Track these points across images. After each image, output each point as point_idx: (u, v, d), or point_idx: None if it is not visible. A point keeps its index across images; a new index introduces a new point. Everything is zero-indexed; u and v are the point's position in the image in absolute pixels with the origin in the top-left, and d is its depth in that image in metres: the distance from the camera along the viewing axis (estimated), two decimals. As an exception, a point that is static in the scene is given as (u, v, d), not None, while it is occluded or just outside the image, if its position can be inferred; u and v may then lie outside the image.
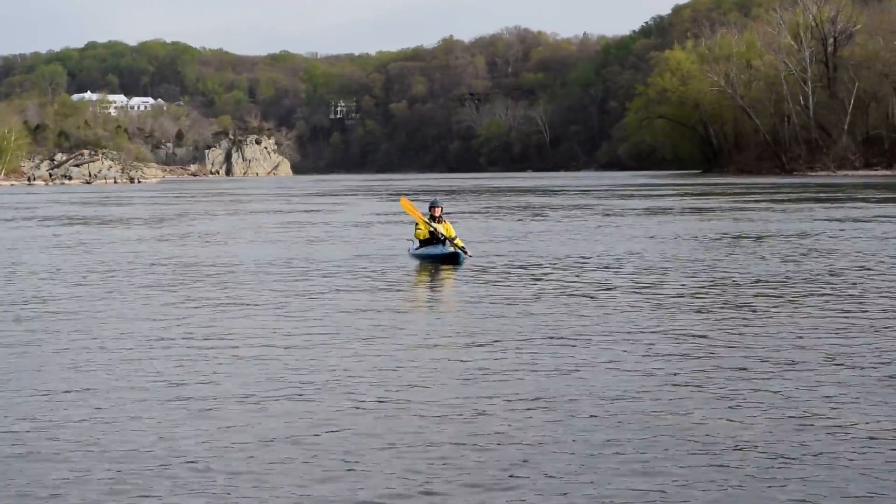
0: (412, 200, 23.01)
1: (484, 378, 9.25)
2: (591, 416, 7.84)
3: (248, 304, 14.45)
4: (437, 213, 20.16)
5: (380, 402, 8.43)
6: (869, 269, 17.55)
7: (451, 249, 19.47)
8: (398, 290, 16.17)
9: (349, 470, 6.69)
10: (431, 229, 19.93)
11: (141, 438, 7.42)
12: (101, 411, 8.27)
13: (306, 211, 45.51)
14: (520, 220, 35.34)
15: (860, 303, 13.61)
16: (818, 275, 16.88)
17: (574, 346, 10.76)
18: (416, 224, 20.47)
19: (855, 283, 15.69)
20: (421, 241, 20.23)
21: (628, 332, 11.49)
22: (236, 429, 7.63)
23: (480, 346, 10.85)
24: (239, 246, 25.45)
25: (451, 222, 21.35)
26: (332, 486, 6.39)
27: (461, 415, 7.98)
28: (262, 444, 7.25)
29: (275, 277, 17.87)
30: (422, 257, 20.07)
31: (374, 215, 40.04)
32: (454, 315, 13.59)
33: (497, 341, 11.06)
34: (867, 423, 7.56)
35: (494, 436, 7.37)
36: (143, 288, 16.55)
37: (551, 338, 11.24)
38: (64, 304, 14.76)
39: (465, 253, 19.81)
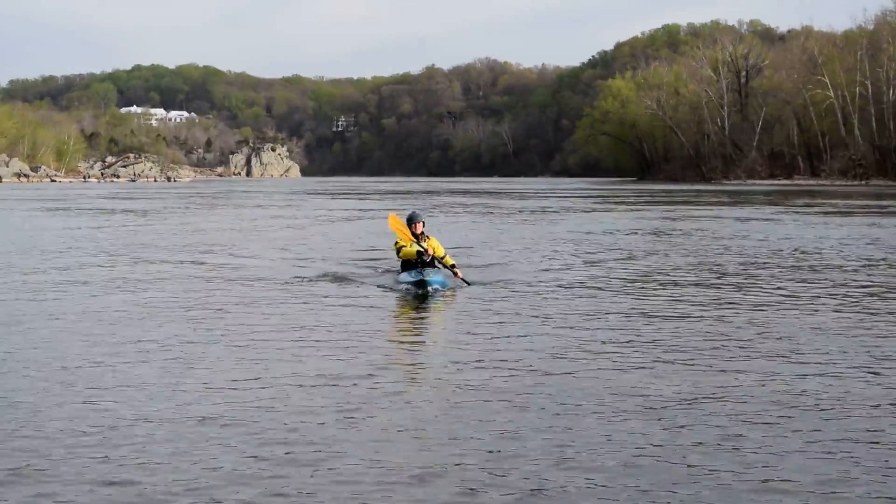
0: (396, 212, 15.72)
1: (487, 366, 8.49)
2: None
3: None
4: (419, 229, 13.38)
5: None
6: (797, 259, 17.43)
7: (420, 277, 12.55)
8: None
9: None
10: (419, 249, 13.18)
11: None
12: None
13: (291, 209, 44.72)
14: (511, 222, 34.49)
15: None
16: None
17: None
18: (397, 241, 13.56)
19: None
20: (404, 262, 13.41)
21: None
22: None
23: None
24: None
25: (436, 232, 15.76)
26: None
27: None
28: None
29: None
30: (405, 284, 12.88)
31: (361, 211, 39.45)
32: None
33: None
34: None
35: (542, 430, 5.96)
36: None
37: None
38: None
39: (459, 276, 13.36)
